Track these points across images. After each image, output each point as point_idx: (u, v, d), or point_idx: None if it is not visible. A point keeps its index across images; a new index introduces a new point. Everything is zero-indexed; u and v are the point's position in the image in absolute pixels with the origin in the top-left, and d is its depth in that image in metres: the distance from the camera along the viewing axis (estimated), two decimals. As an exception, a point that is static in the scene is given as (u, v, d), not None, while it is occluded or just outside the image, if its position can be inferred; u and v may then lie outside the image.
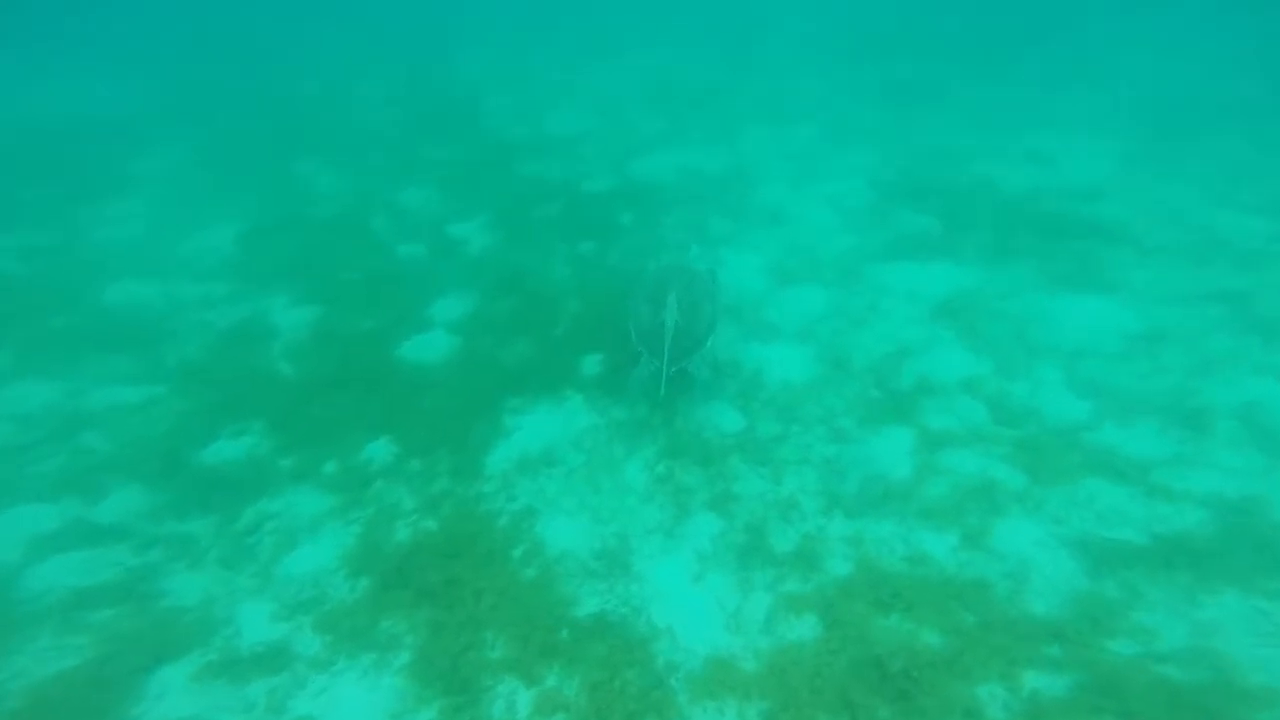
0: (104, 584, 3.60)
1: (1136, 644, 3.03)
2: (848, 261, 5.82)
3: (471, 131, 9.21)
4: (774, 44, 12.48)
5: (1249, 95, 8.66)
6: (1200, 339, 4.78)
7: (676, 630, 3.19)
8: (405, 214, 7.10)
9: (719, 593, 3.36)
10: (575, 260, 6.16)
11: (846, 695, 2.88)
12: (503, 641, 3.17)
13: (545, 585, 3.43)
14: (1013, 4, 13.61)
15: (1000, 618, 3.16)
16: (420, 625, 3.27)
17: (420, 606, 3.36)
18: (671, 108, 9.70)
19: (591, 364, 4.96)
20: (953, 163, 7.55)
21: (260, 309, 5.76)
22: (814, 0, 15.30)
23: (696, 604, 3.32)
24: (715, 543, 3.61)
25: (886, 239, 6.07)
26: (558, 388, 4.76)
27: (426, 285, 5.94)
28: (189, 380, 4.98)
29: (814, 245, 6.10)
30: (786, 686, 2.92)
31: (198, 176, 8.12)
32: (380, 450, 4.34)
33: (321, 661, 3.17)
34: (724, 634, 3.17)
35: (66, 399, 4.84)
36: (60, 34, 14.03)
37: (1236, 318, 4.95)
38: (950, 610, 3.20)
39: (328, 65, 11.82)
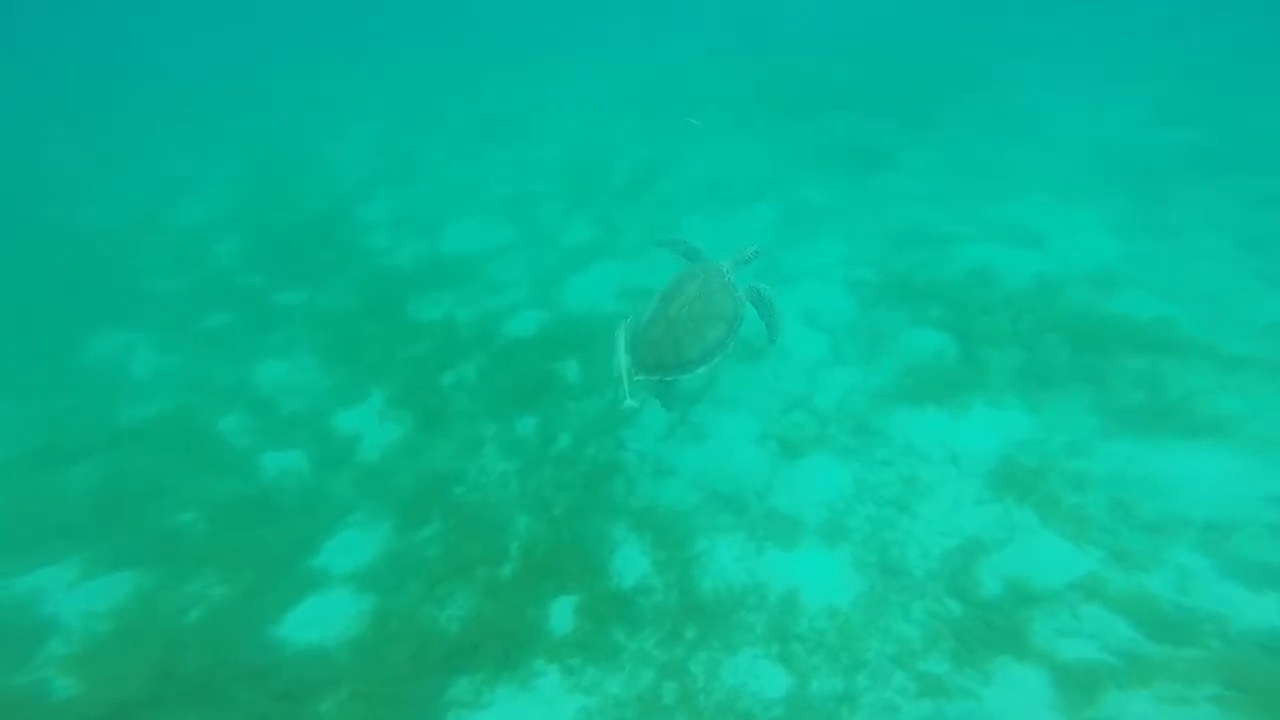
0: None
1: None
2: (856, 411, 5.48)
3: (348, 259, 8.53)
4: (695, 102, 12.76)
5: (1198, 144, 9.33)
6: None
7: None
8: (268, 403, 6.23)
9: None
10: (514, 448, 5.49)
11: None
12: None
13: None
14: (922, 51, 14.88)
15: None
16: None
17: None
18: (599, 201, 9.54)
19: (564, 612, 4.31)
20: (934, 247, 7.62)
21: (28, 589, 4.67)
22: (723, 51, 16.20)
23: None
24: None
25: (894, 369, 5.82)
26: (521, 658, 4.09)
27: (312, 515, 5.08)
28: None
29: (809, 391, 5.75)
30: None
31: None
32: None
33: None
34: None
35: None
36: None
37: None
38: None
39: (146, 180, 10.80)
